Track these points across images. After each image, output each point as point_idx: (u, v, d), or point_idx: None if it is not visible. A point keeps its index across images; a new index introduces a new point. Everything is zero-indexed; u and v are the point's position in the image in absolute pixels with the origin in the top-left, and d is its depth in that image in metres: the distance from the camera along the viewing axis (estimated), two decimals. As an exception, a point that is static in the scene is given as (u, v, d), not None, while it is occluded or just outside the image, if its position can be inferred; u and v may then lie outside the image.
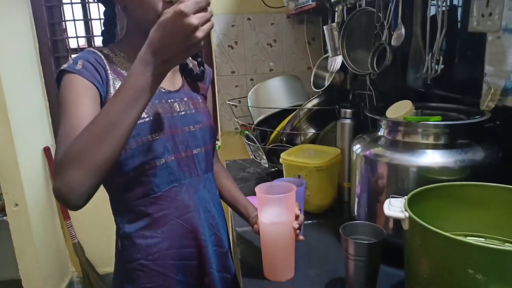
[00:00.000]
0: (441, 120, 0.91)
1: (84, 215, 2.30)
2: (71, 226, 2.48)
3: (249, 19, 2.32)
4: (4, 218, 2.16)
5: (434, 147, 0.88)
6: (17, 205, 2.15)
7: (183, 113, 0.94)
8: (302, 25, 2.32)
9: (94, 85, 0.81)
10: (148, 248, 0.89)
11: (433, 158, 0.87)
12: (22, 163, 2.15)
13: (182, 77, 1.00)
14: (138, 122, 0.80)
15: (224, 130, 2.42)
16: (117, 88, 0.83)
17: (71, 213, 2.45)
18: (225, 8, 2.29)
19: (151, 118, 0.87)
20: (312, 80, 1.75)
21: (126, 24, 0.93)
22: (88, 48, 0.88)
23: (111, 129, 0.68)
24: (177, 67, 1.01)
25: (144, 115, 0.85)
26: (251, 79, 2.39)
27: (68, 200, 0.69)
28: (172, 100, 0.93)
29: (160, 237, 0.90)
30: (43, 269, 2.30)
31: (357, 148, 1.02)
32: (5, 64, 2.03)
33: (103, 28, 0.96)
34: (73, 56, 0.86)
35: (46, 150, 2.37)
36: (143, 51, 0.68)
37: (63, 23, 2.37)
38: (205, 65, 1.07)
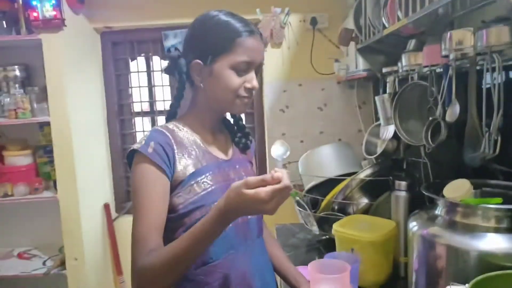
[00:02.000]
0: (503, 202, 0.89)
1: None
2: (123, 281, 2.55)
3: (300, 85, 2.41)
4: (63, 272, 2.25)
5: (496, 230, 0.85)
6: (76, 259, 2.25)
7: (236, 179, 0.99)
8: (352, 90, 2.37)
9: (164, 171, 0.88)
10: None
11: (495, 242, 0.83)
12: (84, 218, 2.28)
13: (232, 147, 1.07)
14: (203, 193, 0.90)
15: (274, 191, 2.44)
16: (182, 166, 0.91)
17: (124, 269, 2.52)
18: (277, 75, 2.40)
19: (213, 187, 0.93)
20: (364, 146, 1.76)
21: (196, 99, 0.99)
22: (156, 127, 0.95)
23: (183, 259, 0.79)
24: (230, 138, 1.08)
25: (207, 185, 0.92)
26: (301, 141, 2.44)
27: None
28: (227, 169, 1.00)
29: None
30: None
31: (413, 225, 1.00)
32: (77, 124, 2.24)
33: (173, 102, 1.02)
34: (145, 134, 0.94)
35: (106, 206, 2.51)
36: (222, 204, 0.76)
37: (130, 89, 2.60)
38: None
